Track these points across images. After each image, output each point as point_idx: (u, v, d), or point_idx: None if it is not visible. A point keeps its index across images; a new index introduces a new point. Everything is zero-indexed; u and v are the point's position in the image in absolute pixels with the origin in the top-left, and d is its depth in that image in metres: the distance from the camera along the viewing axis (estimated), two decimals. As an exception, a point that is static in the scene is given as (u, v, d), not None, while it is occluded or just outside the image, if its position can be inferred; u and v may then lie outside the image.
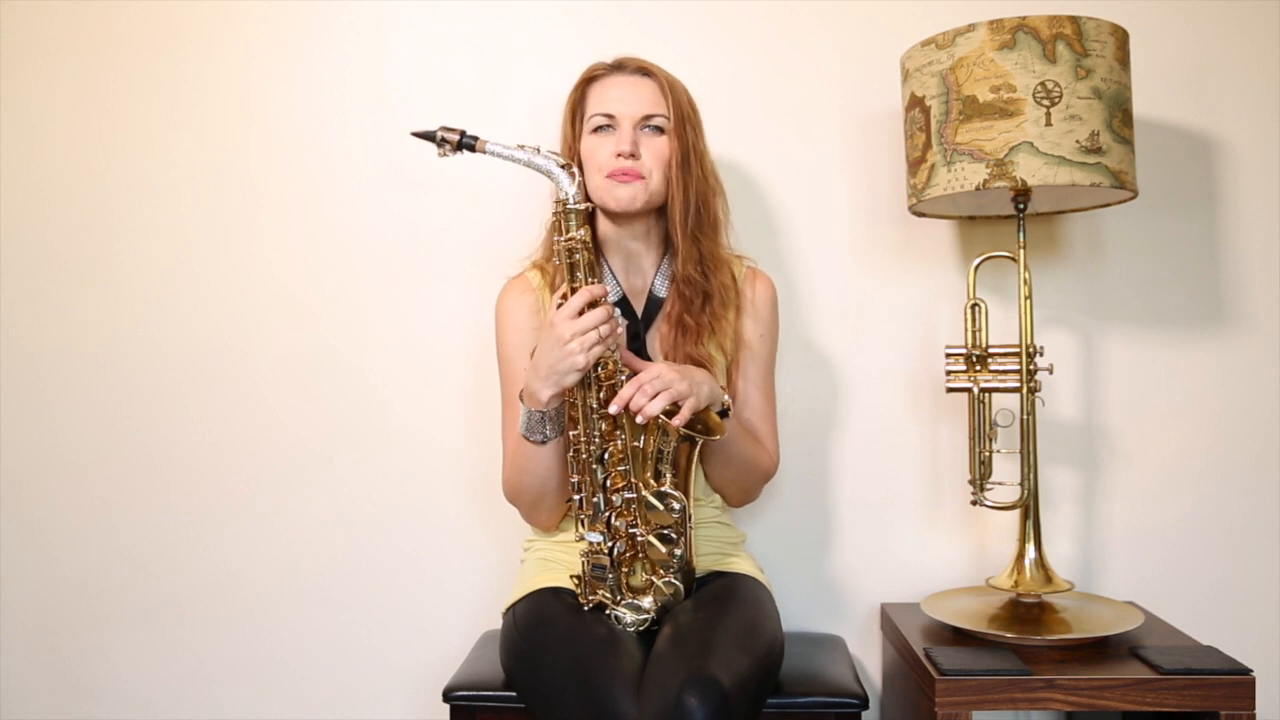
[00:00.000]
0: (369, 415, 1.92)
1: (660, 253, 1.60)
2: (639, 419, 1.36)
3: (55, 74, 1.95)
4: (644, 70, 1.55)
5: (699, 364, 1.51)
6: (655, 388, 1.36)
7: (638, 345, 1.54)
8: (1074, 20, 1.50)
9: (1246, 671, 1.44)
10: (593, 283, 1.39)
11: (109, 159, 1.94)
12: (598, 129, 1.53)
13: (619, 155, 1.50)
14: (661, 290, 1.58)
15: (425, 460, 1.91)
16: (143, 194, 1.94)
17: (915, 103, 1.62)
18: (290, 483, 1.93)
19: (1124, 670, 1.46)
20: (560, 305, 1.39)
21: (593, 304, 1.37)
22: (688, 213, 1.53)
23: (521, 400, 1.44)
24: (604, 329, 1.36)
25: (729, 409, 1.48)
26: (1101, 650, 1.54)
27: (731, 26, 1.88)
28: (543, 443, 1.44)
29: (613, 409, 1.37)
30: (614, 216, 1.56)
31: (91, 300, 1.95)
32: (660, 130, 1.53)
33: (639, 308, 1.57)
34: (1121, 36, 1.55)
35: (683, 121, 1.54)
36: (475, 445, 1.88)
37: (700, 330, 1.54)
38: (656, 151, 1.52)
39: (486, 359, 1.76)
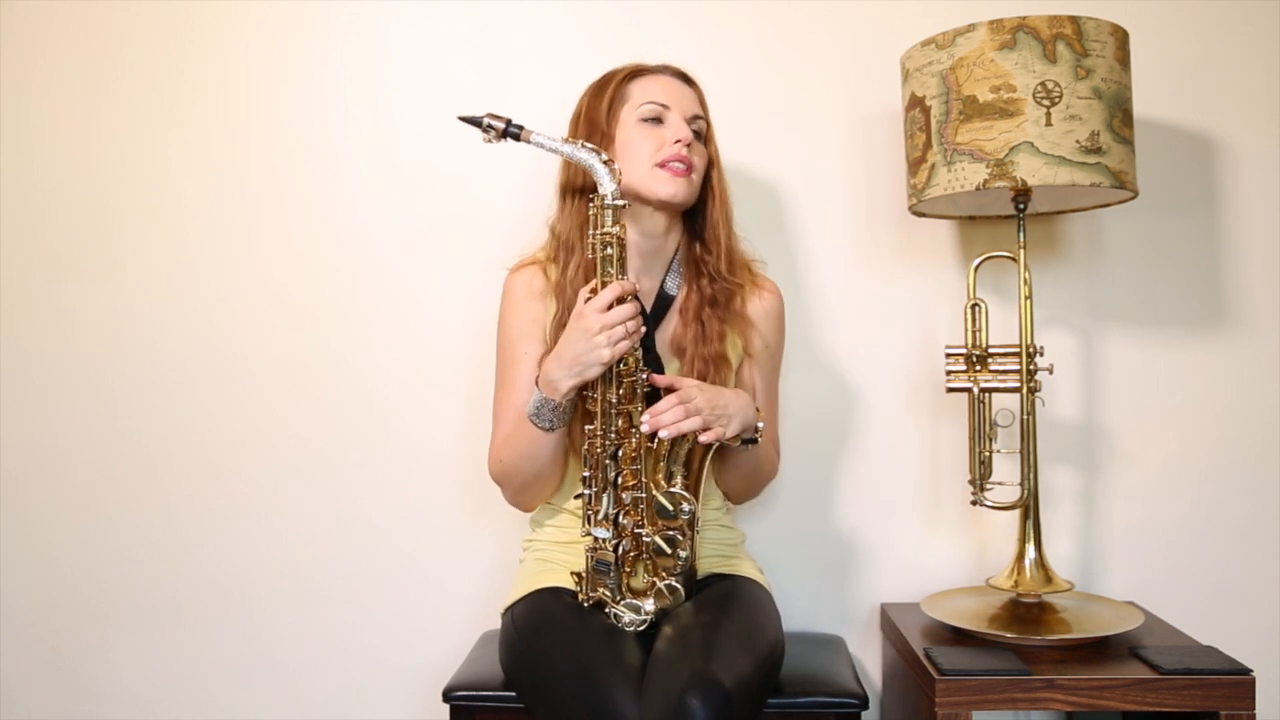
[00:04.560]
0: (369, 415, 1.92)
1: (673, 252, 1.60)
2: (663, 434, 1.37)
3: (55, 74, 1.95)
4: (685, 77, 1.59)
5: (715, 362, 1.53)
6: (685, 412, 1.38)
7: (647, 341, 1.55)
8: (1074, 20, 1.50)
9: (1246, 671, 1.44)
10: (623, 279, 1.40)
11: (109, 159, 1.94)
12: (646, 119, 1.53)
13: (678, 142, 1.51)
14: (672, 289, 1.59)
15: (425, 460, 1.91)
16: (143, 194, 1.94)
17: (915, 103, 1.62)
18: (290, 483, 1.93)
19: (1124, 670, 1.46)
20: (590, 298, 1.39)
21: (621, 300, 1.38)
22: (728, 219, 1.59)
23: (538, 386, 1.44)
24: (631, 325, 1.37)
25: (759, 436, 1.49)
26: (1101, 650, 1.54)
27: (731, 26, 1.88)
28: (550, 429, 1.45)
29: (645, 428, 1.38)
30: (656, 206, 1.55)
31: (91, 300, 1.95)
32: (699, 135, 1.56)
33: (648, 306, 1.57)
34: (1121, 36, 1.55)
35: (713, 129, 1.60)
36: (475, 445, 1.88)
37: (721, 331, 1.55)
38: (700, 153, 1.56)
39: (487, 359, 1.76)
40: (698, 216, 1.60)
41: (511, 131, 1.37)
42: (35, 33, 1.95)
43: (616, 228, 1.40)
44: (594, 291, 1.40)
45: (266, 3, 1.92)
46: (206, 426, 1.94)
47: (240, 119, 1.93)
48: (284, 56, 1.92)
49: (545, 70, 1.88)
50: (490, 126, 1.37)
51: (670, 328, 1.57)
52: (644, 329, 1.43)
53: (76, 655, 1.97)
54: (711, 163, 1.58)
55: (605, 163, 1.39)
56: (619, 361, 1.39)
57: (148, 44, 1.93)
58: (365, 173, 1.91)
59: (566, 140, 1.40)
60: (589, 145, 1.40)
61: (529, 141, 1.38)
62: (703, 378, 1.52)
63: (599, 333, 1.36)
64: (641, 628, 1.41)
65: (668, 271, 1.59)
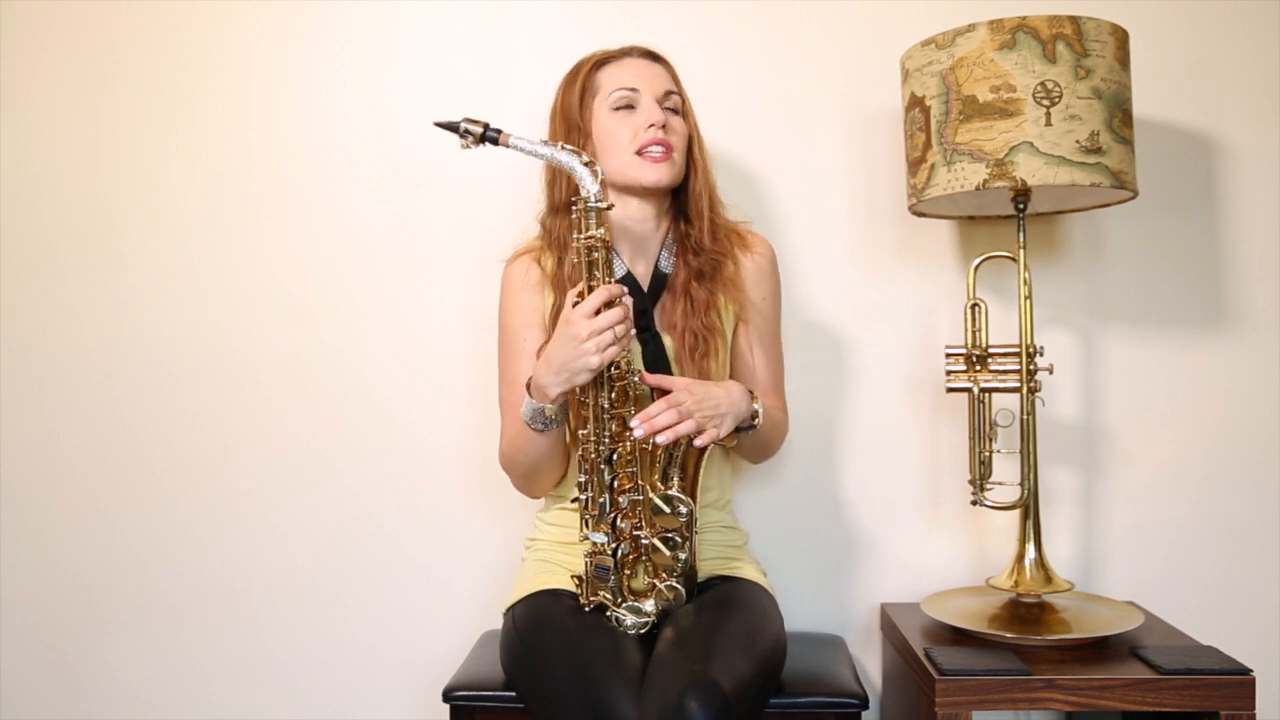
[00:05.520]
0: (369, 415, 1.92)
1: (665, 231, 1.60)
2: (659, 439, 1.37)
3: (55, 74, 1.95)
4: (652, 55, 1.58)
5: (706, 333, 1.53)
6: (678, 416, 1.38)
7: (645, 321, 1.54)
8: (1074, 20, 1.50)
9: (1246, 671, 1.44)
10: (610, 282, 1.39)
11: (109, 159, 1.94)
12: (619, 108, 1.53)
13: (651, 125, 1.50)
14: (667, 266, 1.59)
15: (425, 460, 1.91)
16: (143, 194, 1.94)
17: (915, 103, 1.62)
18: (290, 483, 1.93)
19: (1124, 670, 1.46)
20: (577, 303, 1.38)
21: (609, 304, 1.37)
22: (710, 190, 1.58)
23: (529, 391, 1.44)
24: (619, 329, 1.36)
25: (758, 423, 1.49)
26: (1101, 650, 1.54)
27: (731, 26, 1.88)
28: (544, 430, 1.45)
29: (638, 434, 1.37)
30: (642, 194, 1.55)
31: (91, 300, 1.95)
32: (675, 111, 1.56)
33: (645, 287, 1.57)
34: (1121, 36, 1.55)
35: (689, 102, 1.59)
36: (475, 444, 1.88)
37: (710, 301, 1.55)
38: (678, 130, 1.55)
39: (486, 358, 1.76)
40: (681, 192, 1.60)
41: (489, 136, 1.34)
42: (35, 33, 1.95)
43: (600, 230, 1.38)
44: (581, 295, 1.39)
45: (266, 2, 1.92)
46: (206, 426, 1.94)
47: (240, 119, 1.93)
48: (284, 56, 1.92)
49: (545, 70, 1.87)
50: (468, 132, 1.34)
51: (666, 305, 1.57)
52: (633, 332, 1.42)
53: (76, 655, 1.97)
54: (691, 137, 1.58)
55: (586, 164, 1.37)
56: (611, 365, 1.39)
57: (148, 44, 1.93)
58: (365, 173, 1.91)
59: (546, 143, 1.37)
60: (568, 147, 1.38)
61: (508, 145, 1.35)
62: (694, 350, 1.52)
63: (587, 339, 1.34)
64: (644, 630, 1.42)
65: (661, 251, 1.59)
